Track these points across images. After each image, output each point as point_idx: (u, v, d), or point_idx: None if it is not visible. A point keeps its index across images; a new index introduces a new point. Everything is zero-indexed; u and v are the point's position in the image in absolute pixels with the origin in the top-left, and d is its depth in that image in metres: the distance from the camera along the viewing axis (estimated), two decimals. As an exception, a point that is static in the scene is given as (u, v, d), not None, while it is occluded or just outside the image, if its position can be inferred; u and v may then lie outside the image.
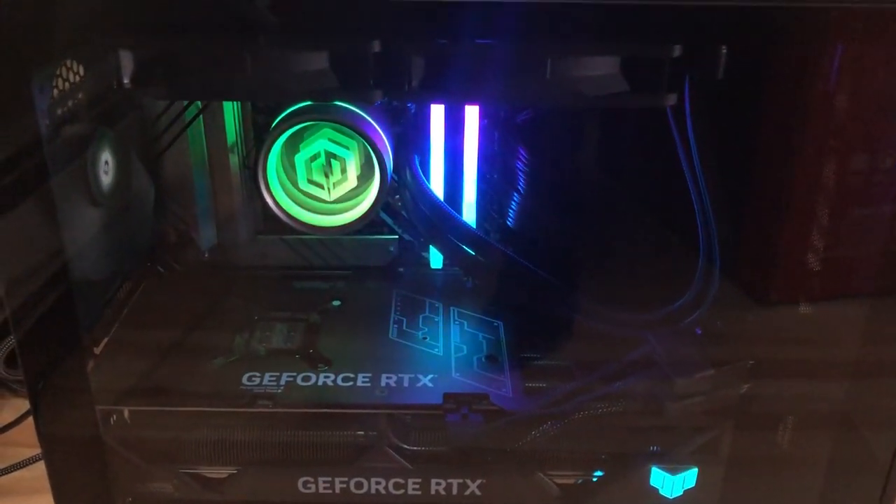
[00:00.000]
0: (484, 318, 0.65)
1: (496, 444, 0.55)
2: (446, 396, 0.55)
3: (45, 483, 0.53)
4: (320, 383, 0.56)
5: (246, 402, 0.55)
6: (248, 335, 0.62)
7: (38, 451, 0.53)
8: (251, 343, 0.61)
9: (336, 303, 0.66)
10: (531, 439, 0.54)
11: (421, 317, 0.65)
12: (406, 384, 0.56)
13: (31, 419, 0.52)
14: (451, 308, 0.66)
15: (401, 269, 0.71)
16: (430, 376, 0.57)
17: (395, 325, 0.63)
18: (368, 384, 0.56)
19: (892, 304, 0.52)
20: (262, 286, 0.69)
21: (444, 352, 0.60)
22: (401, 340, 0.62)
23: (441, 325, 0.64)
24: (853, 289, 0.54)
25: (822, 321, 0.54)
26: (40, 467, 0.53)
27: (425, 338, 0.62)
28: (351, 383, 0.56)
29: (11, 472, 0.60)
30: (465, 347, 0.61)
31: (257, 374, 0.57)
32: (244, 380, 0.56)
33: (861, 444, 0.55)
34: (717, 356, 0.54)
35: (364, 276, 0.71)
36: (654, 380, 0.53)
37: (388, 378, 0.57)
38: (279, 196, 0.60)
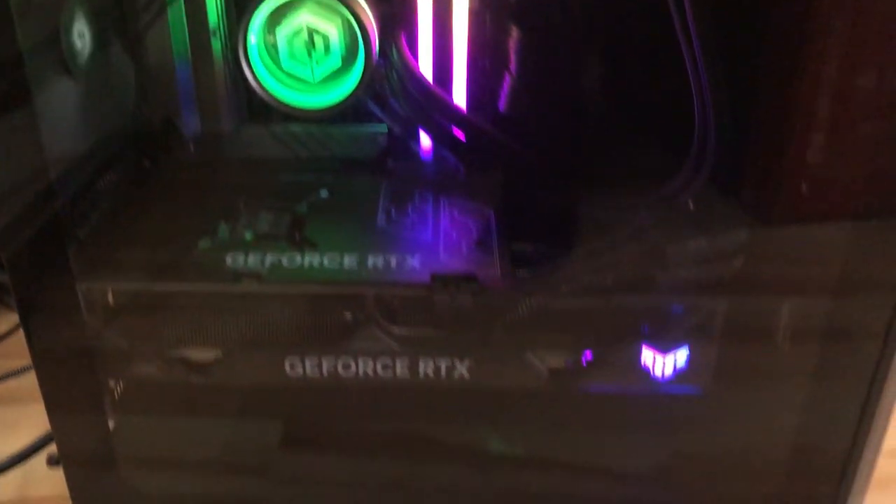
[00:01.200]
0: (475, 206, 0.63)
1: (484, 323, 0.54)
2: (434, 276, 0.54)
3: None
4: (306, 264, 0.55)
5: (230, 281, 0.54)
6: (234, 222, 0.61)
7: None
8: (237, 229, 0.60)
9: (323, 193, 0.65)
10: (519, 318, 0.53)
11: (410, 205, 0.63)
12: (394, 265, 0.55)
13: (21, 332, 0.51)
14: (442, 197, 0.65)
15: (390, 162, 0.69)
16: (418, 257, 0.56)
17: (384, 213, 0.62)
18: (355, 265, 0.55)
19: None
20: (247, 178, 0.68)
21: (434, 237, 0.59)
22: (389, 226, 0.60)
23: (430, 212, 0.62)
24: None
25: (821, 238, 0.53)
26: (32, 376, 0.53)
27: (414, 224, 0.61)
28: (337, 264, 0.55)
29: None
30: (454, 233, 0.60)
31: (241, 254, 0.56)
32: (228, 260, 0.55)
33: (851, 331, 0.54)
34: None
35: (353, 168, 0.69)
36: (645, 253, 0.52)
37: (374, 258, 0.56)
38: (263, 79, 0.58)
